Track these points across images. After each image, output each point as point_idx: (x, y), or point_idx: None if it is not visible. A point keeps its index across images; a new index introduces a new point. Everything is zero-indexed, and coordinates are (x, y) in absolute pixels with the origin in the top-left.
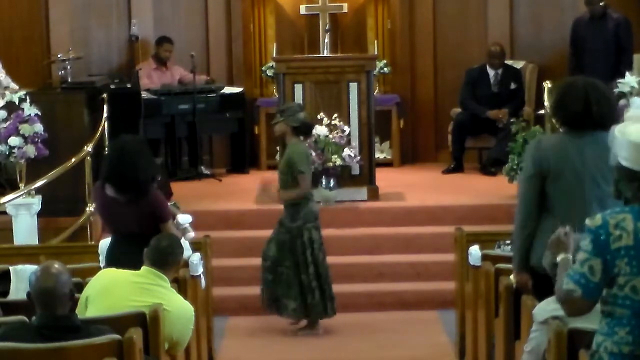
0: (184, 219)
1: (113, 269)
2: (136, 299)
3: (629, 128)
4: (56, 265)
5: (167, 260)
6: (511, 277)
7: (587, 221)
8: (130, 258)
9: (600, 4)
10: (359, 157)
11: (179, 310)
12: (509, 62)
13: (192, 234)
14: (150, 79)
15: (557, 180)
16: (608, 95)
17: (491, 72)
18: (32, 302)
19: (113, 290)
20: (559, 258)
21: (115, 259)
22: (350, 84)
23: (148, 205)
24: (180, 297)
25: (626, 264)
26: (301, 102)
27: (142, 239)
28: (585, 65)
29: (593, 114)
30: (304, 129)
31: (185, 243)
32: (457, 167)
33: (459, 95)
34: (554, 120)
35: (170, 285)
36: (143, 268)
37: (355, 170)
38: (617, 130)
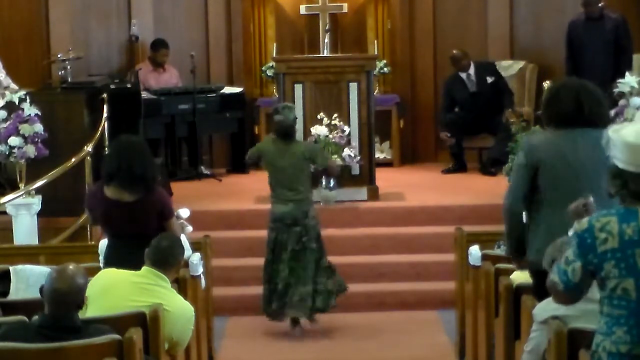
0: (184, 212)
1: (113, 269)
2: (136, 299)
3: (625, 129)
4: (72, 268)
5: (168, 260)
6: (512, 276)
7: (575, 224)
8: (132, 260)
9: (599, 4)
10: (359, 157)
11: (179, 310)
12: (508, 62)
13: (190, 228)
14: (148, 81)
15: (551, 176)
16: (600, 98)
17: (463, 75)
18: (42, 298)
19: (113, 290)
20: (572, 230)
21: (117, 262)
22: (350, 84)
23: (155, 205)
24: (180, 298)
25: (614, 267)
26: (301, 102)
27: (144, 240)
28: (584, 67)
29: (584, 114)
30: (278, 131)
31: (185, 243)
32: (459, 167)
33: (440, 106)
34: (543, 120)
35: (170, 286)
36: (143, 268)
37: (355, 170)
38: (611, 130)
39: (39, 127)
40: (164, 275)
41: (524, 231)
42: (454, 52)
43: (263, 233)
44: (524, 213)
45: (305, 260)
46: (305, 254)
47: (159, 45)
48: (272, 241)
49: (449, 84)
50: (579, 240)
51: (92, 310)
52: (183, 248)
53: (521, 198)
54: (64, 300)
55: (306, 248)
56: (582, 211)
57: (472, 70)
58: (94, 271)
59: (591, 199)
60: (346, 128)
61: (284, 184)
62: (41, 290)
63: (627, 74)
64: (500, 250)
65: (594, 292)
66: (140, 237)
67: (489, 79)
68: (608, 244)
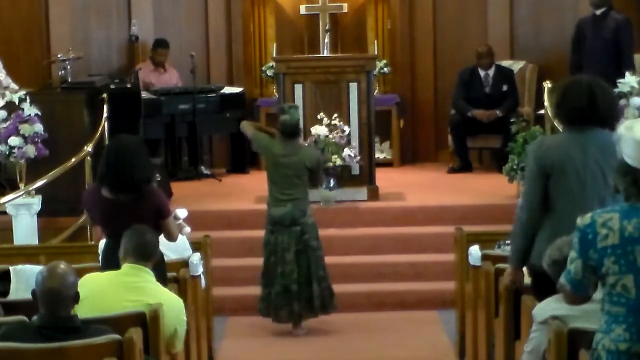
0: (181, 213)
1: (94, 274)
2: (130, 299)
3: (636, 125)
4: (62, 266)
5: (152, 252)
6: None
7: (578, 220)
8: None
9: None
10: (359, 157)
11: (169, 301)
12: (508, 62)
13: (188, 229)
14: (149, 80)
15: (559, 178)
16: (611, 94)
17: (482, 73)
18: (35, 301)
19: (104, 294)
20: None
21: (114, 261)
22: (350, 84)
23: (151, 204)
24: (166, 290)
25: (613, 263)
26: (301, 102)
27: None
28: (585, 64)
29: (598, 111)
30: (284, 131)
31: (185, 243)
32: (465, 167)
33: (452, 96)
34: (555, 120)
35: (155, 279)
36: (125, 266)
37: (355, 170)
38: (623, 127)
39: (39, 127)
40: (147, 268)
41: (533, 242)
42: (479, 48)
43: (263, 233)
44: None
45: (309, 259)
46: (308, 253)
47: (157, 45)
48: (272, 244)
49: (466, 77)
50: (580, 235)
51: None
52: (157, 237)
53: (538, 211)
54: (59, 298)
55: (308, 247)
56: None
57: (491, 71)
58: (94, 271)
59: None
60: (346, 128)
61: (283, 183)
62: (33, 293)
63: (627, 74)
64: (500, 250)
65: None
66: None
67: (504, 87)
68: (609, 240)
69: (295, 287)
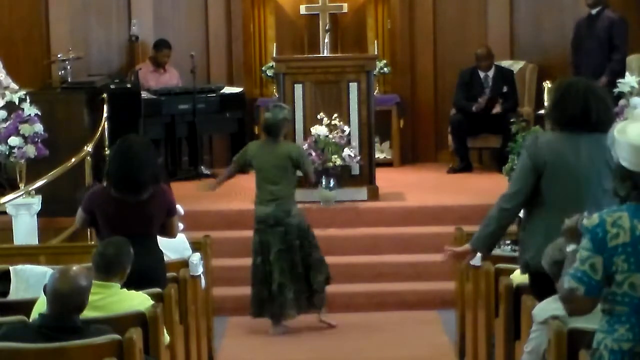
0: (179, 210)
1: None
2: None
3: (629, 128)
4: (76, 270)
5: (113, 268)
6: (512, 276)
7: (585, 221)
8: (135, 259)
9: None
10: (359, 157)
11: (137, 296)
12: (508, 62)
13: (180, 226)
14: (147, 81)
15: (552, 177)
16: (607, 100)
17: (482, 75)
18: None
19: None
20: (569, 248)
21: None
22: (350, 84)
23: (162, 203)
24: (131, 293)
25: (623, 261)
26: (301, 102)
27: (146, 240)
28: (581, 64)
29: (592, 120)
30: (263, 127)
31: (185, 242)
32: (465, 167)
33: (453, 97)
34: (549, 120)
35: (120, 286)
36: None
37: (355, 170)
38: (616, 130)
39: (39, 127)
40: (112, 282)
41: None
42: (478, 50)
43: None
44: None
45: (293, 259)
46: (291, 253)
47: (161, 45)
48: (257, 243)
49: (466, 77)
50: (590, 236)
51: None
52: (130, 255)
53: (522, 203)
54: (64, 302)
55: (291, 247)
56: (577, 233)
57: (491, 73)
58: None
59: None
60: (346, 128)
61: (266, 183)
62: (44, 289)
63: (627, 74)
64: (500, 250)
65: None
66: (144, 237)
67: (505, 88)
68: (619, 239)
69: (275, 287)
